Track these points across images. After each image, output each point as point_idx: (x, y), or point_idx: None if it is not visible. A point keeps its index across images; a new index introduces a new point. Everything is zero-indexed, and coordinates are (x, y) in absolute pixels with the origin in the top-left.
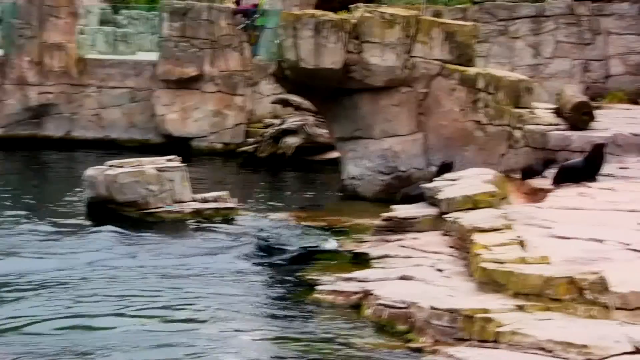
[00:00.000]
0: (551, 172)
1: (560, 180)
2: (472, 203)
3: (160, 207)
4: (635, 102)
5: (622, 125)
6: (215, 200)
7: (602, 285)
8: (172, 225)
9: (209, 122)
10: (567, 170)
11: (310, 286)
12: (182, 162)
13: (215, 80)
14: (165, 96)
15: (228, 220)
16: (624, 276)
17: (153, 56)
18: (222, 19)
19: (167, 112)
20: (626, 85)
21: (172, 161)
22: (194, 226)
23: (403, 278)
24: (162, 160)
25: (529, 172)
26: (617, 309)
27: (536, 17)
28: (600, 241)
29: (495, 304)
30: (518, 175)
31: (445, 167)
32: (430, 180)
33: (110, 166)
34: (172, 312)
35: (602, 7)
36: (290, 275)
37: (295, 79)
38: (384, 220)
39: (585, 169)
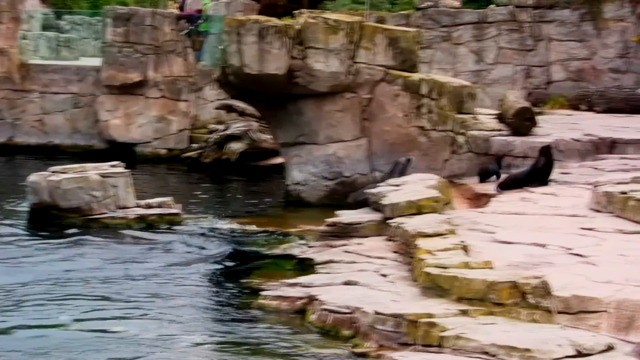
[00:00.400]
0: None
1: (509, 188)
2: (416, 208)
3: (104, 213)
4: (576, 108)
5: (563, 130)
6: (159, 206)
7: (544, 290)
8: (116, 231)
9: (153, 128)
10: (517, 181)
11: (255, 292)
12: (126, 167)
13: (159, 86)
14: (108, 102)
15: (172, 226)
16: (565, 280)
17: (96, 62)
18: (166, 24)
19: (111, 118)
20: (567, 91)
21: (115, 167)
22: (138, 232)
23: (347, 283)
24: (105, 166)
25: (486, 174)
26: (559, 312)
27: (479, 24)
28: (543, 246)
29: (439, 309)
30: (461, 181)
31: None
32: (383, 180)
33: (53, 172)
34: (113, 317)
35: (544, 13)
36: (235, 281)
37: (239, 84)
38: (328, 225)
39: (534, 177)
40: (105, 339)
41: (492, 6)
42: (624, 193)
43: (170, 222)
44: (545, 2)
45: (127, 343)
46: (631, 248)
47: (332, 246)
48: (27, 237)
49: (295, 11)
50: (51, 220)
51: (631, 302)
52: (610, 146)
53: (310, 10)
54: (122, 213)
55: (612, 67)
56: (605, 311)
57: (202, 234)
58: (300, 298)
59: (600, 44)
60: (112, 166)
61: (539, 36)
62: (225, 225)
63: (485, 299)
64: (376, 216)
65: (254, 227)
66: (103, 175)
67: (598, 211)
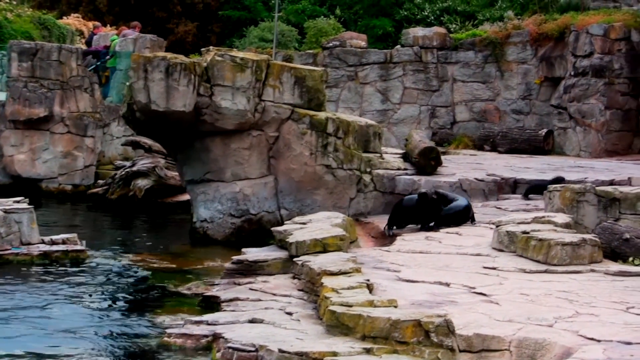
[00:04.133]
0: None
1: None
2: (322, 246)
3: (7, 250)
4: (480, 148)
5: (467, 170)
6: (63, 242)
7: (447, 328)
8: (19, 268)
9: (59, 164)
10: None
11: (159, 330)
12: (31, 203)
13: (65, 122)
14: (13, 137)
15: (77, 263)
16: (468, 319)
17: (1, 96)
18: (73, 59)
19: (16, 153)
20: (471, 131)
21: (19, 203)
22: (42, 269)
23: (253, 321)
24: (9, 202)
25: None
26: (462, 351)
27: (385, 64)
28: (446, 284)
29: (344, 347)
30: (367, 219)
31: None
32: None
33: None
34: (8, 355)
35: (448, 55)
36: (139, 319)
37: (146, 121)
38: (234, 263)
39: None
40: None
41: (398, 47)
42: (526, 233)
43: (75, 258)
44: (450, 44)
45: None
46: (532, 287)
47: (237, 284)
48: None
49: (203, 48)
50: None
51: (532, 340)
52: (513, 186)
53: (217, 47)
54: (26, 249)
55: (514, 109)
56: (507, 349)
57: (107, 271)
58: (205, 336)
59: (503, 86)
60: (16, 202)
61: (444, 77)
62: (130, 262)
63: (389, 337)
64: (282, 254)
65: (159, 264)
66: (6, 211)
67: (501, 250)
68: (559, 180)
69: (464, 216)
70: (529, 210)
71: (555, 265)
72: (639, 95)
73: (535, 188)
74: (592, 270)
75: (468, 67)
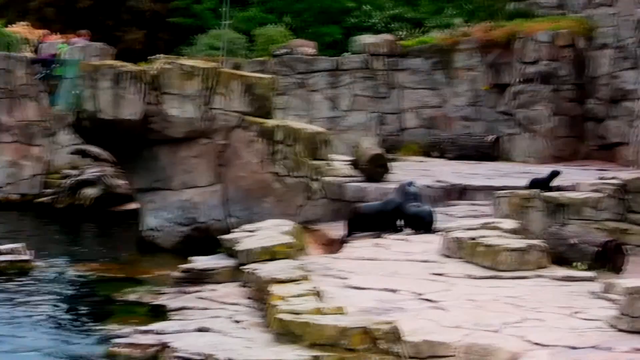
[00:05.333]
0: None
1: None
2: (270, 254)
3: None
4: (428, 155)
5: (416, 177)
6: (10, 252)
7: (395, 335)
8: None
9: (6, 173)
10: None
11: (107, 339)
12: None
13: (12, 130)
14: None
15: (23, 273)
16: (416, 325)
17: None
18: (20, 68)
19: None
20: (419, 138)
21: None
22: None
23: (201, 330)
24: None
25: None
26: (410, 358)
27: (334, 71)
28: (394, 291)
29: (292, 355)
30: (316, 226)
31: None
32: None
33: None
34: None
35: (397, 62)
36: (86, 328)
37: (93, 129)
38: (182, 271)
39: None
40: None
41: (346, 54)
42: (473, 239)
43: (21, 268)
44: (399, 51)
45: None
46: (480, 293)
47: (185, 292)
48: None
49: (152, 56)
50: None
51: (479, 346)
52: (461, 192)
53: (166, 55)
54: None
55: (462, 115)
56: (454, 356)
57: (53, 281)
58: (153, 345)
59: (451, 92)
60: None
61: (393, 84)
62: (77, 271)
63: (337, 344)
64: (230, 262)
65: (106, 273)
66: None
67: (448, 257)
68: (554, 174)
69: (429, 222)
70: (477, 217)
71: (502, 270)
72: (585, 101)
73: (535, 185)
74: (539, 276)
75: (416, 74)
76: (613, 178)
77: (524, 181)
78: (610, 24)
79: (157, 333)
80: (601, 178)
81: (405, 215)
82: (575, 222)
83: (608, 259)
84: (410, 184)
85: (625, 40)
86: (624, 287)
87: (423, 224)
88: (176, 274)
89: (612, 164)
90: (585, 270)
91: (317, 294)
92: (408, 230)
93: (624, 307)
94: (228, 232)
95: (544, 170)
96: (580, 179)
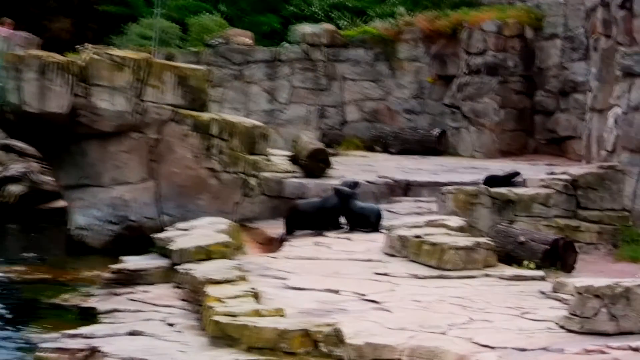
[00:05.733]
0: None
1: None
2: (205, 254)
3: None
4: (371, 149)
5: (358, 172)
6: None
7: (337, 338)
8: None
9: None
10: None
11: (33, 344)
12: None
13: None
14: None
15: None
16: (359, 327)
17: None
18: None
19: None
20: (362, 132)
21: None
22: None
23: (132, 333)
24: None
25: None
26: None
27: (272, 62)
28: (336, 292)
29: (228, 359)
30: (253, 224)
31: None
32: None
33: None
34: None
35: (338, 52)
36: (11, 333)
37: (18, 123)
38: (112, 272)
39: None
40: None
41: (285, 44)
42: (418, 237)
43: None
44: (339, 41)
45: None
46: (425, 293)
47: (116, 294)
48: None
49: (80, 46)
50: None
51: (425, 349)
52: (405, 189)
53: (95, 45)
54: None
55: (406, 108)
56: (399, 358)
57: None
58: (82, 350)
59: (394, 84)
60: None
61: (333, 75)
62: (1, 273)
63: (276, 348)
64: (164, 262)
65: (33, 275)
66: None
67: (392, 255)
68: (514, 174)
69: (377, 221)
70: (422, 214)
71: (448, 270)
72: (534, 93)
73: (492, 182)
74: (487, 275)
75: (358, 65)
76: (563, 173)
77: (470, 177)
78: (559, 13)
79: (87, 337)
80: (551, 173)
81: (350, 213)
82: (524, 219)
83: (558, 257)
84: (355, 184)
85: (575, 30)
86: (574, 286)
87: (369, 223)
88: (106, 275)
89: (562, 159)
90: (535, 269)
91: (255, 295)
92: (346, 228)
93: (574, 307)
94: (161, 230)
95: (491, 166)
96: (529, 175)
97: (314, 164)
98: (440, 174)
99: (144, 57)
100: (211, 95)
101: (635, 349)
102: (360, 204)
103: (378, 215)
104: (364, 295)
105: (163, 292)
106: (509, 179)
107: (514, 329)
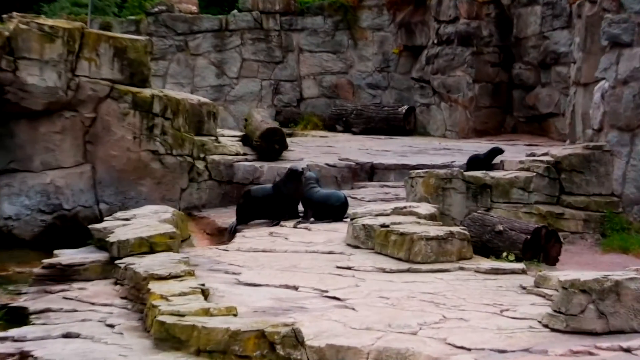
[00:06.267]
0: None
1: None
2: (148, 246)
3: None
4: (331, 129)
5: (317, 154)
6: None
7: (295, 339)
8: None
9: None
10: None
11: None
12: None
13: None
14: None
15: None
16: (320, 327)
17: None
18: None
19: None
20: (321, 109)
21: None
22: None
23: (67, 336)
24: None
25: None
26: None
27: (220, 32)
28: (295, 288)
29: None
30: (202, 213)
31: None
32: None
33: None
34: None
35: (293, 21)
36: None
37: None
38: (44, 267)
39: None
40: None
41: (234, 12)
42: (385, 226)
43: None
44: (295, 8)
45: None
46: (393, 289)
47: (49, 292)
48: None
49: (5, 15)
50: None
51: (394, 350)
52: (370, 172)
53: (22, 14)
54: None
55: (370, 82)
56: None
57: None
58: (11, 354)
59: (357, 56)
60: None
61: (289, 47)
62: None
63: (228, 350)
64: (102, 256)
65: None
66: None
67: (356, 247)
68: (495, 151)
69: (341, 210)
70: (389, 200)
71: (419, 263)
72: (511, 66)
73: (474, 164)
74: (461, 268)
75: (316, 35)
76: (544, 154)
77: (442, 159)
78: None
79: (16, 340)
80: (531, 154)
81: (309, 202)
82: (502, 205)
83: (540, 248)
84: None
85: None
86: (558, 280)
87: (333, 212)
88: (38, 270)
89: (544, 138)
90: (514, 261)
91: (204, 292)
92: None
93: (558, 304)
94: (99, 220)
95: (464, 147)
96: (507, 156)
97: (268, 145)
98: (408, 155)
99: (77, 27)
100: (153, 69)
101: (626, 350)
102: (321, 190)
103: (343, 204)
104: (325, 291)
105: (101, 290)
106: (491, 158)
107: (492, 328)
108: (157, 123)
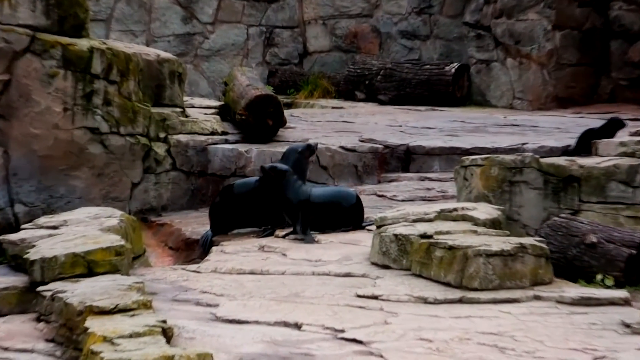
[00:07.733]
0: None
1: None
2: (85, 266)
3: None
4: (349, 96)
5: (327, 132)
6: None
7: None
8: None
9: None
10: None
11: None
12: None
13: None
14: None
15: None
16: None
17: None
18: None
19: None
20: (334, 69)
21: None
22: None
23: None
24: None
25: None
26: None
27: None
28: (297, 326)
29: None
30: (162, 219)
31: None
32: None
33: None
34: None
35: None
36: None
37: None
38: None
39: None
40: None
41: None
42: (427, 237)
43: None
44: None
45: None
46: (439, 328)
47: None
48: None
49: None
50: None
51: None
52: (404, 159)
53: None
54: None
55: (403, 30)
56: None
57: None
58: None
59: None
60: None
61: None
62: None
63: None
64: (18, 280)
65: None
66: None
67: (386, 267)
68: (614, 122)
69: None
70: (432, 199)
71: (475, 290)
72: (608, 6)
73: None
74: (537, 297)
75: None
76: None
77: (509, 139)
78: None
79: None
80: (636, 133)
81: (301, 203)
82: (595, 207)
83: None
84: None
85: None
86: None
87: (341, 218)
88: None
89: None
90: (613, 287)
91: (166, 332)
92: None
93: None
94: (14, 229)
95: (540, 122)
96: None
97: (257, 120)
98: (459, 135)
99: None
100: (92, 10)
101: None
102: (318, 188)
103: (354, 206)
104: (340, 331)
105: (18, 329)
106: (609, 132)
107: None
108: (97, 89)
